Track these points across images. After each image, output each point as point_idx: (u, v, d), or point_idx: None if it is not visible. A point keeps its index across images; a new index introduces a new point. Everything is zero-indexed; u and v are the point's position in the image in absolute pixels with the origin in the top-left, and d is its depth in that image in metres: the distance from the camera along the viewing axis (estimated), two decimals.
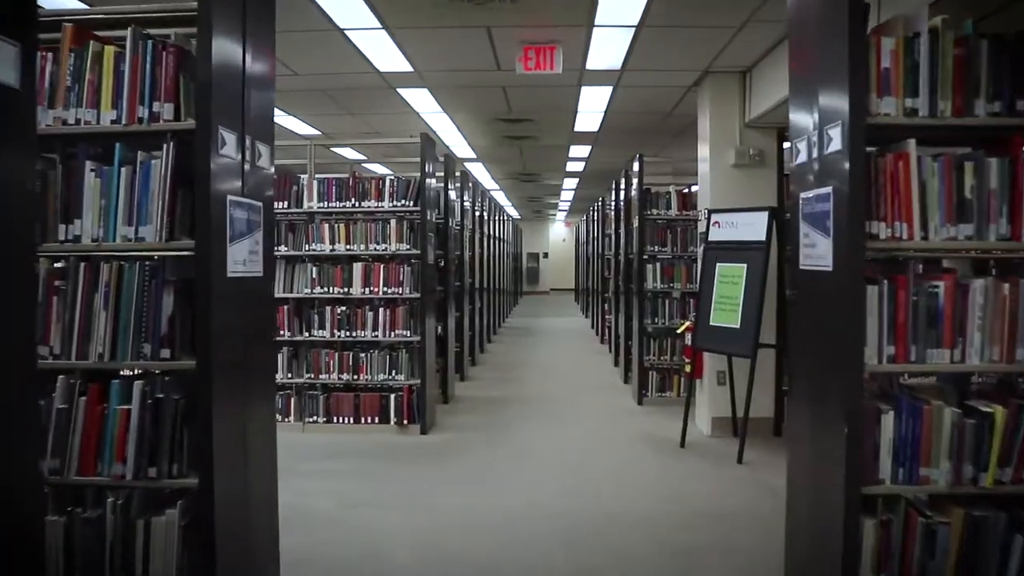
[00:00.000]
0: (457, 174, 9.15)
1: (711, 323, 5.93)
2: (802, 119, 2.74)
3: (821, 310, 2.67)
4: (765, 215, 5.67)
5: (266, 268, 2.68)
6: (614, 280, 10.51)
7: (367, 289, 6.56)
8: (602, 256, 13.05)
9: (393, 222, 6.53)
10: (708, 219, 6.09)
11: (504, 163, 13.55)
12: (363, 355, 6.58)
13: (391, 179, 6.59)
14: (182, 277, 2.38)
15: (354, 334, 6.57)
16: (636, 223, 7.85)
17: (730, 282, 5.82)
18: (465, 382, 9.20)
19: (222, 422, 2.40)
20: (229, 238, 2.39)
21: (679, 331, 6.69)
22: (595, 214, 14.75)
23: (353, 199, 6.60)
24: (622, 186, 9.33)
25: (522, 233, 27.81)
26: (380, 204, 6.57)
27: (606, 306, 13.03)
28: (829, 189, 2.49)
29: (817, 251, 2.56)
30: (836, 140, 2.39)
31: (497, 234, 15.23)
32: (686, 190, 8.03)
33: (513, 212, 27.54)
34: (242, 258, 2.46)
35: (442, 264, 7.97)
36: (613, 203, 10.57)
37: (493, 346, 13.00)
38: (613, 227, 10.51)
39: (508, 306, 19.93)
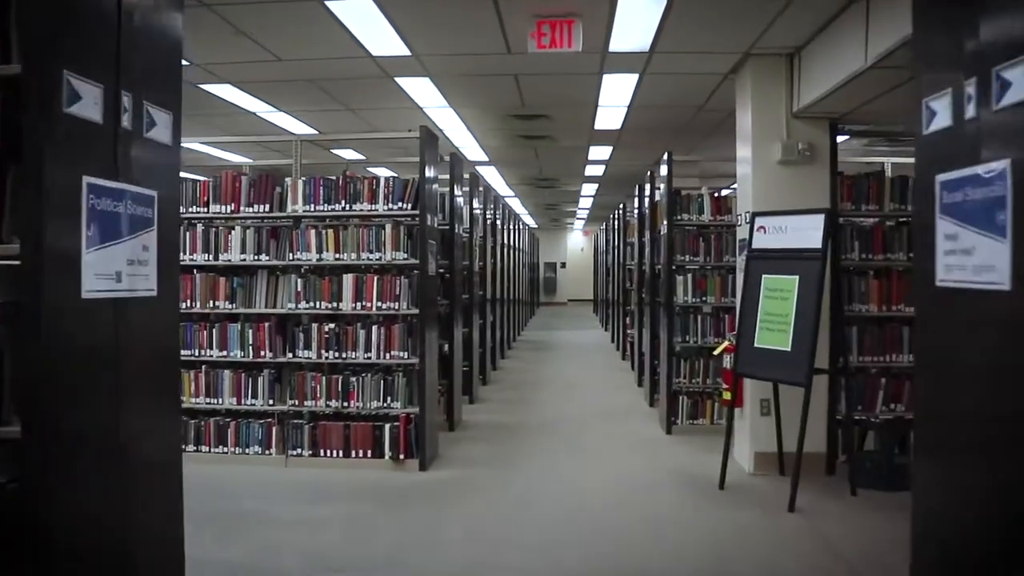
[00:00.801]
0: (466, 176, 8.37)
1: (756, 344, 5.08)
2: (941, 66, 1.90)
3: (979, 343, 1.83)
4: (821, 219, 4.82)
5: (164, 286, 1.89)
6: (637, 292, 9.67)
7: (359, 304, 5.78)
8: (623, 266, 12.21)
9: (388, 227, 5.75)
10: (751, 224, 5.25)
11: (519, 166, 12.77)
12: (354, 379, 5.79)
13: (386, 179, 5.81)
14: (8, 300, 1.59)
15: (344, 355, 5.78)
16: (664, 229, 7.02)
17: (779, 297, 4.98)
18: (474, 404, 8.39)
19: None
20: (86, 240, 1.60)
21: (716, 352, 5.85)
22: (615, 222, 13.94)
23: (343, 202, 5.82)
24: (647, 191, 8.50)
25: (539, 242, 27.03)
26: (374, 207, 5.79)
27: (627, 320, 12.20)
28: (1004, 164, 1.66)
29: (976, 260, 1.73)
30: (1020, 84, 1.56)
31: (512, 243, 14.45)
32: (720, 193, 7.18)
33: (530, 221, 26.80)
34: (113, 270, 1.68)
35: (447, 275, 7.18)
36: (636, 209, 9.75)
37: (507, 362, 12.18)
38: (636, 235, 9.68)
39: (524, 318, 19.13)
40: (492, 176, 13.77)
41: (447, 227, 7.16)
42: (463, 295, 8.17)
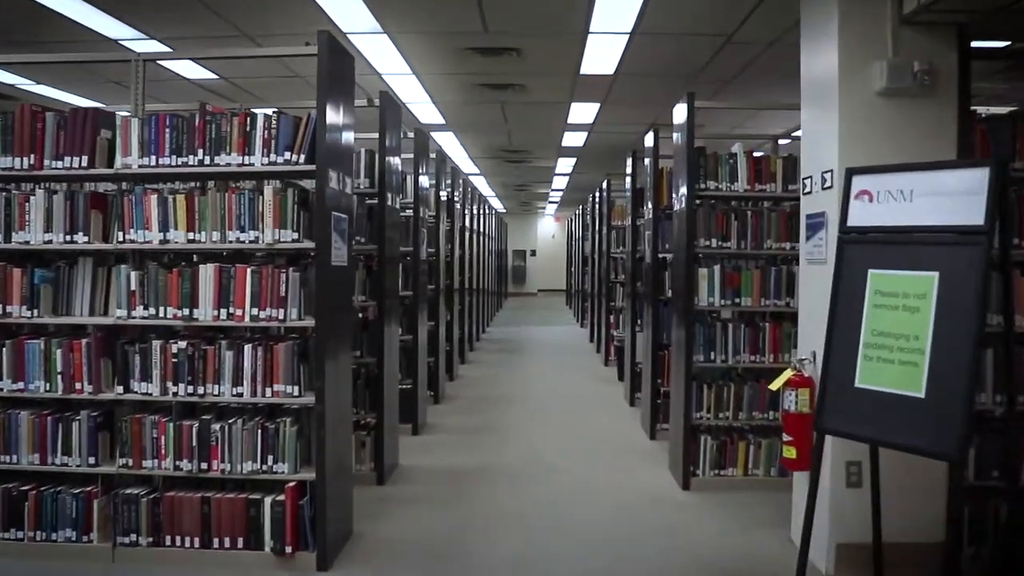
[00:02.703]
0: (410, 135, 6.34)
1: (857, 384, 3.14)
2: None
3: None
4: (982, 176, 2.86)
5: None
6: (630, 286, 7.72)
7: (225, 312, 3.74)
8: (606, 255, 10.26)
9: (269, 193, 3.69)
10: (847, 186, 3.28)
11: (483, 132, 10.70)
12: (217, 428, 3.76)
13: (267, 117, 3.75)
14: None
15: (203, 391, 3.76)
16: (681, 202, 5.06)
17: (901, 307, 3.04)
18: (422, 436, 6.39)
19: None
20: None
21: (775, 386, 3.90)
22: (594, 204, 12.00)
23: (201, 152, 3.76)
24: (646, 156, 6.53)
25: (507, 228, 25.09)
26: (246, 160, 3.74)
27: (612, 318, 10.27)
28: None
29: None
30: None
31: (477, 227, 12.42)
32: (768, 150, 5.22)
33: (498, 204, 24.84)
34: None
35: (375, 266, 5.16)
36: (630, 181, 7.77)
37: (468, 368, 10.16)
38: (631, 216, 7.71)
39: (491, 311, 17.16)
40: (451, 146, 11.70)
41: (375, 200, 5.12)
42: (409, 291, 6.16)
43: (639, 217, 7.60)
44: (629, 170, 7.82)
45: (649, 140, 6.24)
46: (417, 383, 6.40)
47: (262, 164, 3.72)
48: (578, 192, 19.68)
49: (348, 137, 4.04)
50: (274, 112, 3.74)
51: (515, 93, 7.76)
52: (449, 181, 8.75)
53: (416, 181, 6.44)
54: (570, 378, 9.63)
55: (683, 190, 5.02)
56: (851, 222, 3.26)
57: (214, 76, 7.13)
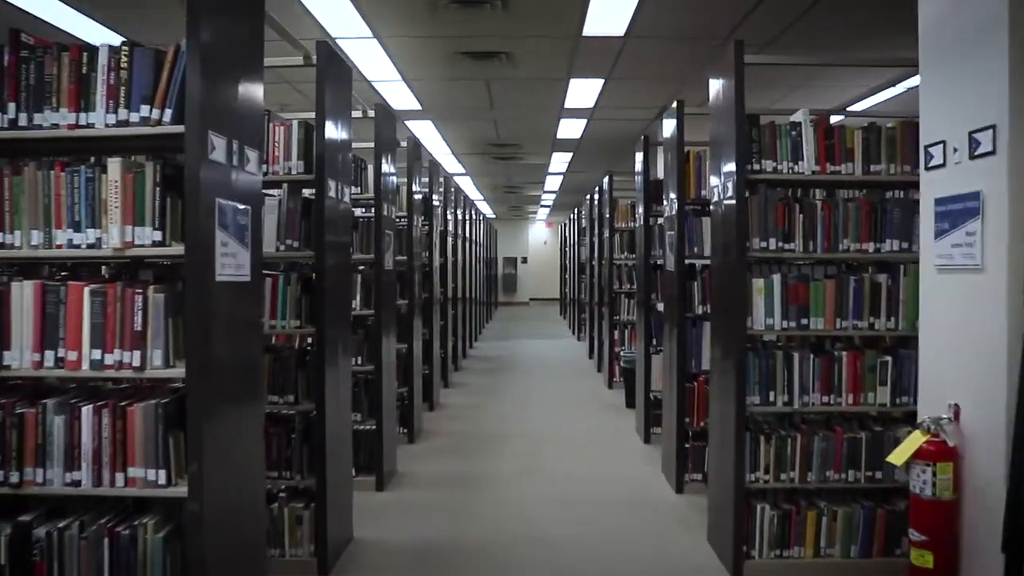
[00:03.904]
0: (370, 113, 5.05)
1: None
2: None
3: None
4: None
5: None
6: (642, 298, 6.42)
7: (51, 355, 2.43)
8: (608, 261, 8.97)
9: (116, 169, 2.38)
10: None
11: (467, 120, 9.35)
12: (43, 535, 2.44)
13: (113, 49, 2.43)
14: None
15: (20, 476, 2.44)
16: (726, 190, 3.78)
17: None
18: (387, 492, 5.07)
19: None
20: None
21: (897, 461, 2.59)
22: (592, 206, 10.83)
23: (13, 107, 2.45)
24: (666, 131, 5.27)
25: (497, 235, 23.87)
26: (85, 120, 2.42)
27: (616, 333, 8.97)
28: None
29: None
30: None
31: (462, 232, 11.21)
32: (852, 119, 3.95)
33: (487, 209, 23.61)
34: None
35: (316, 275, 3.85)
36: (640, 172, 6.48)
37: (452, 395, 8.83)
38: (641, 212, 6.43)
39: (479, 323, 15.89)
40: (432, 140, 10.40)
41: (314, 192, 3.81)
42: (350, 314, 4.87)
43: (654, 216, 6.32)
44: (639, 162, 6.54)
45: (667, 124, 5.01)
46: (382, 425, 5.09)
47: (106, 125, 2.40)
48: (572, 195, 18.44)
49: (249, 91, 2.72)
50: (124, 44, 2.43)
51: (502, 65, 6.45)
52: (427, 178, 7.50)
53: (378, 170, 5.14)
54: (570, 406, 8.30)
55: (729, 171, 3.73)
56: None
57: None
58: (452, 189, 9.90)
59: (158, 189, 2.39)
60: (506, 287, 27.20)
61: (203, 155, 2.35)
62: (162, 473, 2.39)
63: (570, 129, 9.66)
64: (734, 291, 3.71)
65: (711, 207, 4.15)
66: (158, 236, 2.39)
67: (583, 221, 12.98)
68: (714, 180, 4.03)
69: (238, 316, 2.63)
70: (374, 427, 5.09)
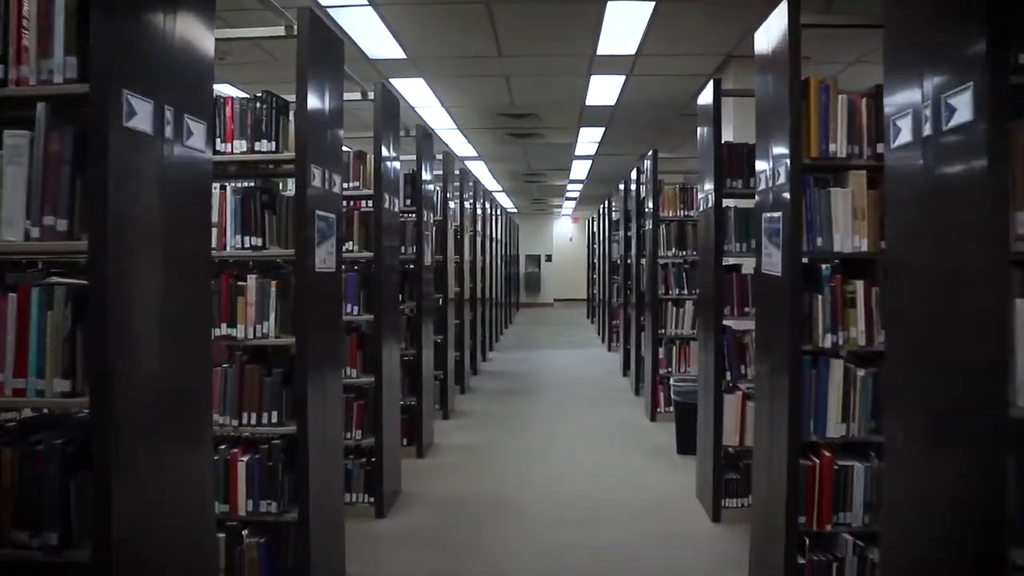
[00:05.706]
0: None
1: None
2: None
3: None
4: None
5: None
6: (715, 312, 4.50)
7: None
8: (653, 258, 7.03)
9: None
10: None
11: (469, 74, 7.46)
12: None
13: None
14: None
15: None
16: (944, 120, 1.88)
17: None
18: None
19: None
20: None
21: None
22: (628, 194, 9.45)
23: None
24: (767, 44, 3.42)
25: (519, 230, 22.17)
26: None
27: (660, 352, 7.04)
28: None
29: None
30: None
31: (479, 229, 10.21)
32: None
33: (507, 202, 21.87)
34: None
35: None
36: (707, 136, 4.57)
37: (453, 428, 7.14)
38: (706, 190, 4.52)
39: (498, 327, 14.70)
40: (435, 118, 8.57)
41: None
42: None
43: (727, 194, 4.42)
44: (703, 118, 4.64)
45: (764, 34, 3.12)
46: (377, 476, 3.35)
47: None
48: (601, 185, 16.80)
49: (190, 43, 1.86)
50: None
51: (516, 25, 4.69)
52: (439, 171, 6.91)
53: (378, 157, 3.70)
54: (604, 451, 6.43)
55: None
56: None
57: None
58: (471, 183, 9.17)
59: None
60: (529, 287, 26.18)
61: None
62: None
63: (603, 91, 7.88)
64: (970, 318, 1.79)
65: (888, 164, 2.22)
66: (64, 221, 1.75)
67: (615, 213, 11.69)
68: (890, 110, 2.10)
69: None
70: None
